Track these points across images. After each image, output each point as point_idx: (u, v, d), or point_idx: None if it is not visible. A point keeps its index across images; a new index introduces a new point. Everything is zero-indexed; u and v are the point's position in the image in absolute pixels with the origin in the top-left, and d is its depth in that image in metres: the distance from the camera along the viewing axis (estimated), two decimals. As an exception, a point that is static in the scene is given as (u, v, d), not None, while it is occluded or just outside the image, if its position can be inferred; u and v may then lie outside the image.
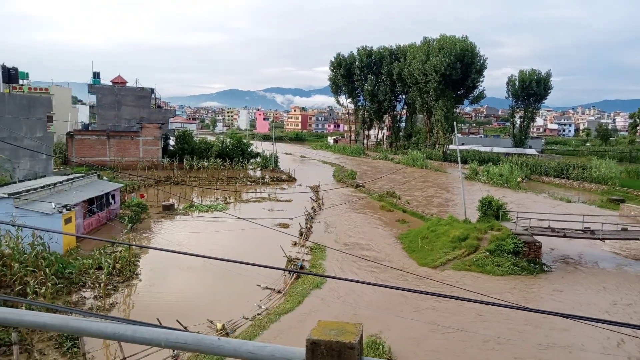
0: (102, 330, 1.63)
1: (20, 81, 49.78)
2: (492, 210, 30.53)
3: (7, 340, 14.40)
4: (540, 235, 27.03)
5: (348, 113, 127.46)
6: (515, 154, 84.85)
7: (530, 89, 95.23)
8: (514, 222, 28.63)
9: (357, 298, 20.50)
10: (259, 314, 18.38)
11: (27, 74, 52.59)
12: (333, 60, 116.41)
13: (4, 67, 44.15)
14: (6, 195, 23.75)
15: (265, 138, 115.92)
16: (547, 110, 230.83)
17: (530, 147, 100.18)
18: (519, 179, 60.11)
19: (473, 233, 27.15)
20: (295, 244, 28.32)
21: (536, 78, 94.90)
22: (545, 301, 21.18)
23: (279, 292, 20.82)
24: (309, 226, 33.12)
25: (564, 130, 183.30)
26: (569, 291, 22.45)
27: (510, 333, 17.43)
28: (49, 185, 28.09)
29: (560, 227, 27.78)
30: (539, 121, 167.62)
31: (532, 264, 24.93)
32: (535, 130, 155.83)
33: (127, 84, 67.24)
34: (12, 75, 45.30)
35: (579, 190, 56.68)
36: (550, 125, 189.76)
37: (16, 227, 21.49)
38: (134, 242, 26.46)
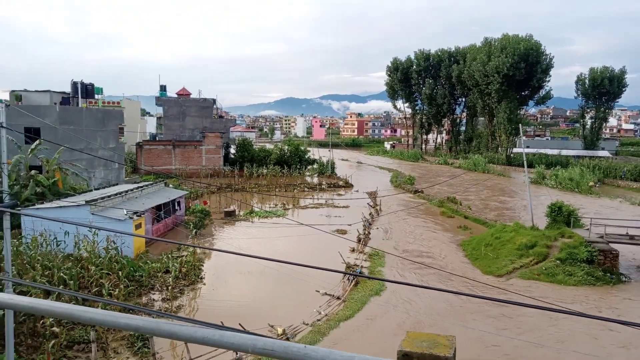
0: (192, 334, 1.68)
1: (96, 96, 53.34)
2: (562, 217, 28.96)
3: (86, 337, 15.38)
4: (617, 243, 25.39)
5: (405, 118, 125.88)
6: (586, 156, 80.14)
7: (602, 88, 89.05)
8: (587, 229, 26.94)
9: (418, 305, 20.05)
10: (318, 320, 18.43)
11: (102, 89, 56.37)
12: (390, 65, 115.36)
13: (82, 83, 47.61)
14: (84, 203, 25.43)
15: (321, 145, 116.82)
16: (622, 110, 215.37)
17: (603, 149, 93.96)
18: (591, 183, 56.80)
19: (542, 240, 25.95)
20: (353, 250, 28.19)
21: (609, 76, 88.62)
22: (626, 312, 19.67)
23: (338, 298, 20.79)
24: (367, 232, 32.92)
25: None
26: (652, 304, 20.73)
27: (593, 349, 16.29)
28: (120, 192, 29.69)
29: (640, 235, 25.80)
30: (612, 121, 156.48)
31: (609, 274, 23.34)
32: (608, 131, 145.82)
33: (191, 96, 70.05)
34: (89, 91, 48.72)
35: (660, 194, 52.43)
36: (625, 126, 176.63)
37: (92, 232, 23.01)
38: (198, 250, 27.27)
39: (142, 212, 27.43)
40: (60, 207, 25.09)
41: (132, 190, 31.48)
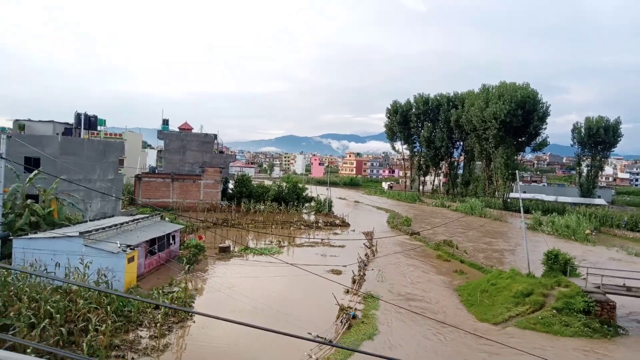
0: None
1: (99, 127, 53.85)
2: (558, 265, 28.77)
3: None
4: (614, 294, 24.88)
5: (403, 159, 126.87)
6: (582, 204, 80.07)
7: (598, 137, 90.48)
8: (584, 279, 26.69)
9: (414, 349, 19.51)
10: (309, 365, 17.87)
11: (105, 120, 57.01)
12: (389, 107, 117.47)
13: (85, 114, 48.15)
14: (77, 234, 25.15)
15: (320, 182, 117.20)
16: (617, 159, 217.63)
17: (599, 197, 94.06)
18: (588, 231, 56.57)
19: (538, 289, 25.80)
20: (347, 291, 27.94)
21: (604, 125, 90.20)
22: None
23: (330, 342, 20.21)
24: (362, 274, 32.74)
25: (636, 180, 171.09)
26: (650, 359, 20.19)
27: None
28: (115, 225, 29.48)
29: (638, 286, 25.45)
30: (608, 170, 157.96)
31: (606, 326, 22.86)
32: (604, 179, 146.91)
33: (193, 130, 70.83)
34: (92, 123, 49.22)
35: (657, 245, 52.10)
36: (620, 175, 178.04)
37: (84, 265, 22.65)
38: (190, 286, 26.83)
39: (136, 245, 27.12)
40: (53, 237, 24.79)
41: (127, 222, 31.27)
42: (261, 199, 67.24)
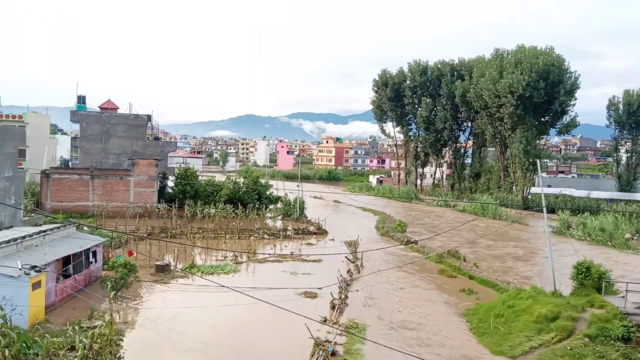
0: None
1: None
2: (591, 280, 29.03)
3: None
4: (660, 316, 25.51)
5: (396, 145, 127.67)
6: (621, 200, 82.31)
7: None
8: (622, 297, 27.34)
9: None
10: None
11: (-1, 97, 55.68)
12: (377, 78, 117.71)
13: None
14: (-38, 253, 24.49)
15: (289, 177, 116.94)
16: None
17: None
18: (628, 235, 57.88)
19: (566, 311, 26.27)
20: (325, 320, 27.81)
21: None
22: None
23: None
24: (343, 296, 32.75)
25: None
26: None
27: None
28: (15, 239, 28.58)
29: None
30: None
31: (651, 357, 23.45)
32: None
33: (118, 111, 69.93)
34: (-23, 101, 47.86)
35: None
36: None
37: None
38: (117, 318, 26.33)
39: (43, 266, 26.56)
40: None
41: (30, 235, 30.57)
42: (211, 200, 66.84)
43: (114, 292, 28.28)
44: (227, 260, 42.63)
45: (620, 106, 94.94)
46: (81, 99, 69.67)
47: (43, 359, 20.64)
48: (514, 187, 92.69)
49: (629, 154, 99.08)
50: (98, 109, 69.35)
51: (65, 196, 61.52)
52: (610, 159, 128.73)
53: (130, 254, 39.23)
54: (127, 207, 61.97)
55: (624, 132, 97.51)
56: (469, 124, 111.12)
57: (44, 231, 32.50)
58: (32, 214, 52.64)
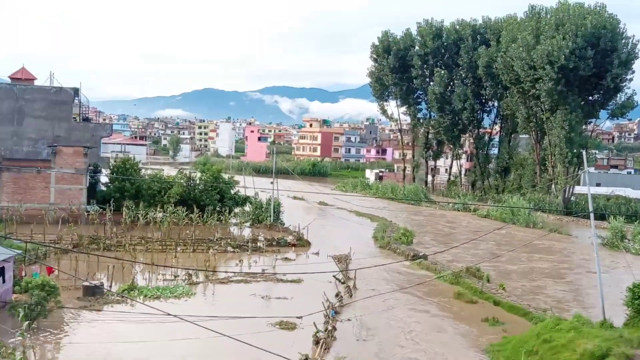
0: None
1: None
2: (651, 307, 28.91)
3: None
4: None
5: (400, 130, 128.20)
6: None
7: None
8: (691, 329, 27.14)
9: None
10: None
11: None
12: (377, 43, 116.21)
13: None
14: None
15: (260, 171, 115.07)
16: None
17: None
18: (698, 250, 57.82)
19: (618, 346, 25.15)
20: (306, 359, 26.99)
21: None
22: None
23: None
24: (330, 328, 31.83)
25: None
26: None
27: None
28: None
29: None
30: None
31: None
32: None
33: (36, 82, 67.21)
34: None
35: None
36: None
37: None
38: (31, 351, 25.41)
39: None
40: None
41: None
42: (158, 201, 64.64)
43: (27, 322, 27.91)
44: (178, 280, 41.59)
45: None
46: (-13, 67, 67.13)
47: None
48: (552, 186, 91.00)
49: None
50: (8, 79, 66.43)
51: (-37, 195, 59.91)
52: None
53: (50, 271, 37.52)
54: (47, 209, 59.97)
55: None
56: (496, 104, 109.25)
57: None
58: None
